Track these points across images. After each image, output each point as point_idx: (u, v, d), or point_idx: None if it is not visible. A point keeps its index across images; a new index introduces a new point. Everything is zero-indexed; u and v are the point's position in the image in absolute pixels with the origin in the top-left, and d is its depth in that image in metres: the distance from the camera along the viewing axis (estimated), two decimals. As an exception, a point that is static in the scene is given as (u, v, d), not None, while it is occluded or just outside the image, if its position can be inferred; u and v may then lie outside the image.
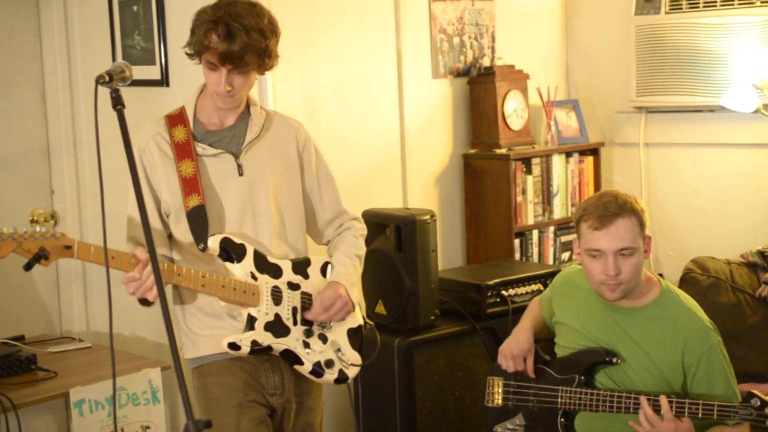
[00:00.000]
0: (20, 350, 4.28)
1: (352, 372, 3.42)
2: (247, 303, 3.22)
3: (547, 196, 5.38)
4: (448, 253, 5.28)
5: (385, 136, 5.04)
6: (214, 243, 3.20)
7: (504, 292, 4.57)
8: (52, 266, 4.79)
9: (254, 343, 3.20)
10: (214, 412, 3.27)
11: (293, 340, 3.29)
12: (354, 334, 3.46)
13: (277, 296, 3.28)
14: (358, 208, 4.48)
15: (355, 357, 3.45)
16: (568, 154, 5.49)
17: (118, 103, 2.82)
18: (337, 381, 3.38)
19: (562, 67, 5.90)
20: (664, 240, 5.56)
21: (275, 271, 3.31)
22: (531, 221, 5.30)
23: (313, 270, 3.42)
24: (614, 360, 3.34)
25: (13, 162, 4.75)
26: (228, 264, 3.23)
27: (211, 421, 2.50)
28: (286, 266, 3.35)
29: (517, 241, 5.22)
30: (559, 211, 5.43)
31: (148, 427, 4.16)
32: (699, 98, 5.24)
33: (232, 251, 3.22)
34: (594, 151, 5.60)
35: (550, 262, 5.39)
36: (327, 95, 4.76)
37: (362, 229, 3.61)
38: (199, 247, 3.21)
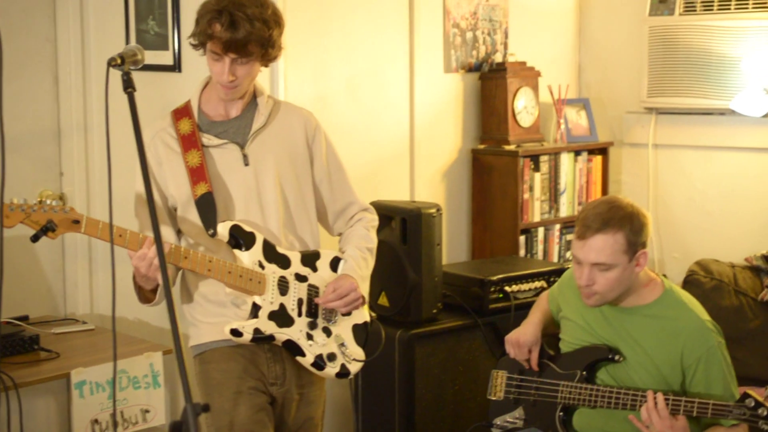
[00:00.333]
0: (23, 330, 4.29)
1: (354, 367, 3.42)
2: (252, 291, 3.24)
3: (554, 194, 5.39)
4: (453, 247, 5.30)
5: (395, 128, 5.05)
6: (223, 229, 3.22)
7: (507, 288, 4.58)
8: (57, 248, 4.85)
9: (257, 331, 3.22)
10: (214, 398, 3.29)
11: (296, 331, 3.30)
12: (359, 330, 3.47)
13: (283, 286, 3.29)
14: (366, 199, 4.49)
15: (358, 352, 3.45)
16: (577, 153, 5.49)
17: (129, 86, 2.83)
18: (339, 375, 3.39)
19: (574, 65, 5.91)
20: (670, 241, 5.56)
21: (284, 262, 3.32)
22: (537, 218, 5.31)
23: (323, 263, 3.42)
24: (617, 357, 3.35)
25: (23, 143, 4.76)
26: (236, 251, 3.25)
27: (209, 405, 2.51)
28: (295, 258, 3.35)
29: (522, 238, 5.23)
30: (565, 210, 5.44)
31: (147, 411, 4.17)
32: (710, 101, 5.26)
33: (241, 238, 3.24)
34: (603, 151, 5.61)
35: (555, 260, 5.40)
36: (338, 87, 4.77)
37: (374, 221, 3.62)
38: (209, 232, 3.22)
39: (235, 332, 3.20)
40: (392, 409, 4.39)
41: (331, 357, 3.35)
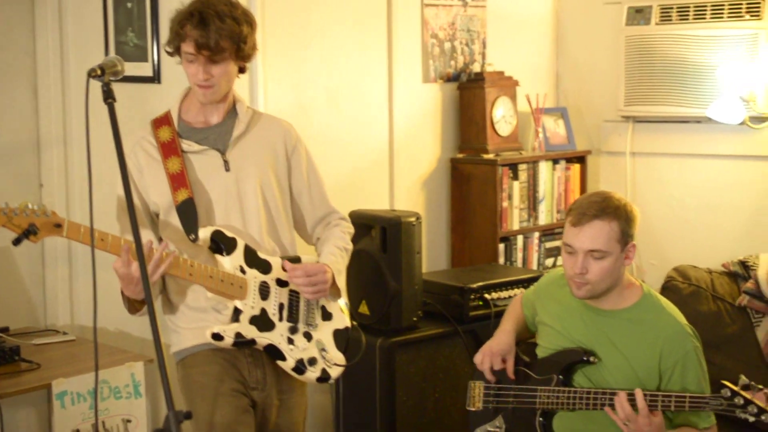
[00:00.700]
0: (4, 341, 4.29)
1: (335, 372, 3.45)
2: (233, 295, 3.26)
3: (532, 202, 5.42)
4: (432, 255, 5.32)
5: (375, 138, 5.08)
6: (205, 234, 3.25)
7: (487, 296, 4.60)
8: (37, 259, 4.85)
9: (238, 335, 3.23)
10: (196, 400, 3.31)
11: (278, 336, 3.32)
12: (340, 335, 3.50)
13: (264, 291, 3.32)
14: (345, 208, 4.51)
15: (339, 357, 3.47)
16: (555, 161, 5.53)
17: (109, 96, 2.87)
18: (320, 380, 3.41)
19: (551, 74, 5.95)
20: (648, 248, 5.60)
21: (265, 267, 3.35)
22: (516, 227, 5.34)
23: None
24: (591, 359, 3.37)
25: (3, 155, 4.77)
26: (217, 256, 3.27)
27: (191, 412, 2.52)
28: (276, 263, 3.38)
29: (501, 246, 5.26)
30: (544, 218, 5.47)
31: (129, 421, 4.17)
32: (686, 109, 5.30)
33: (222, 243, 3.26)
34: (581, 159, 5.65)
35: (535, 267, 5.43)
36: (318, 97, 4.80)
37: (350, 227, 3.66)
38: (190, 237, 3.24)
39: (217, 336, 3.22)
40: (373, 417, 4.40)
41: (312, 361, 3.38)
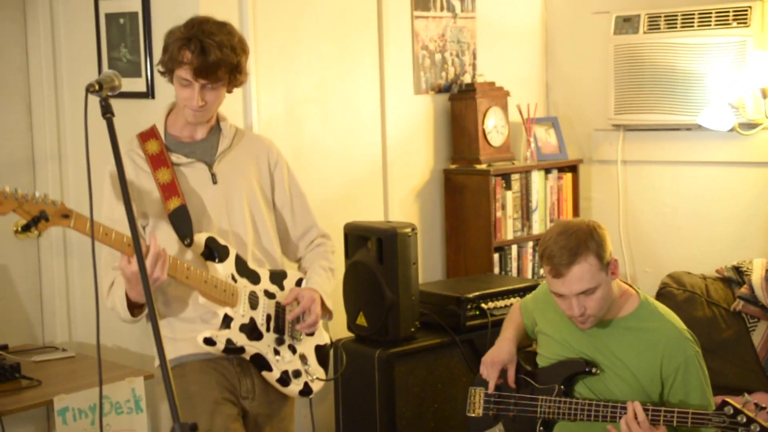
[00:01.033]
0: (4, 359, 4.29)
1: (316, 386, 3.52)
2: (225, 302, 3.30)
3: (526, 212, 5.44)
4: (428, 266, 5.33)
5: (368, 150, 5.10)
6: (200, 239, 3.30)
7: (483, 305, 4.62)
8: (34, 277, 4.85)
9: (229, 341, 3.28)
10: (192, 409, 3.32)
11: (265, 346, 3.38)
12: (321, 350, 3.57)
13: (253, 301, 3.37)
14: (339, 220, 4.57)
15: (320, 372, 3.55)
16: (547, 171, 5.56)
17: (107, 111, 2.90)
18: (302, 393, 3.48)
19: (541, 84, 5.98)
20: (641, 256, 5.63)
21: (254, 277, 3.40)
22: (510, 236, 5.36)
23: (289, 283, 3.51)
24: (594, 370, 3.39)
25: (-2, 172, 4.79)
26: (210, 263, 3.31)
27: (196, 424, 2.54)
28: (265, 275, 3.44)
29: (496, 256, 5.28)
30: (538, 227, 5.49)
31: (131, 436, 4.19)
32: (676, 117, 5.32)
33: (215, 251, 3.31)
34: (573, 168, 5.68)
35: (529, 276, 5.45)
36: (310, 110, 4.82)
37: (332, 246, 3.73)
38: (185, 242, 3.28)
39: (208, 341, 3.25)
40: (374, 428, 4.41)
41: (296, 374, 3.45)
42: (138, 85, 4.57)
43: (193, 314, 3.35)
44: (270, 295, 3.42)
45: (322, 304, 3.50)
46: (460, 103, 5.37)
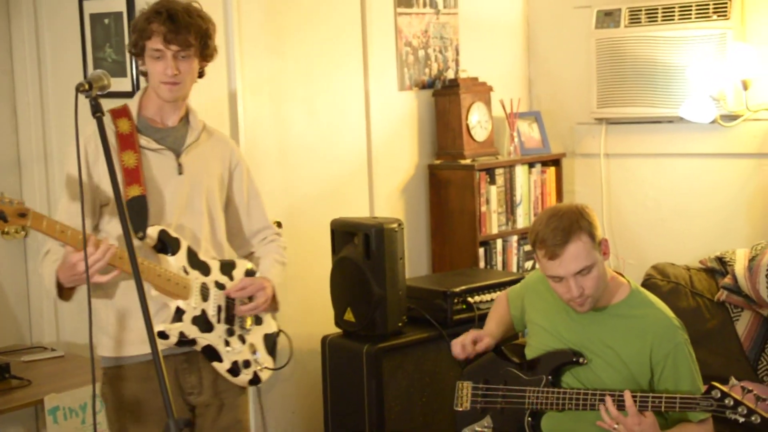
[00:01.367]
0: (-7, 359, 4.32)
1: (265, 375, 3.56)
2: (178, 295, 3.32)
3: (510, 206, 5.48)
4: (413, 261, 5.36)
5: (353, 147, 5.13)
6: (153, 232, 3.30)
7: (470, 299, 4.65)
8: (21, 277, 4.86)
9: (182, 334, 3.32)
10: (138, 418, 3.35)
11: (216, 337, 3.41)
12: (269, 339, 3.61)
13: (205, 292, 3.40)
14: (326, 216, 4.60)
15: (269, 361, 3.59)
16: (531, 165, 5.59)
17: (97, 110, 2.94)
18: (251, 382, 3.52)
19: (524, 79, 6.02)
20: (625, 248, 5.67)
21: (205, 269, 3.43)
22: (495, 230, 5.39)
23: (238, 273, 3.53)
24: (581, 360, 3.42)
25: (-17, 174, 4.80)
26: (162, 255, 3.33)
27: (190, 419, 2.57)
28: (215, 266, 3.47)
29: (481, 250, 5.31)
30: (522, 221, 5.53)
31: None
32: (658, 109, 5.36)
33: (168, 243, 3.33)
34: (556, 162, 5.72)
35: (514, 270, 5.48)
36: (296, 108, 4.84)
37: (284, 243, 3.77)
38: (138, 235, 3.27)
39: (162, 334, 3.27)
40: (363, 423, 4.43)
41: (246, 364, 3.49)
42: (124, 84, 4.58)
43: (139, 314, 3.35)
44: (220, 286, 3.45)
45: (273, 296, 3.54)
46: (444, 98, 5.40)
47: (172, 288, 3.30)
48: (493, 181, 5.38)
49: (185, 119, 3.50)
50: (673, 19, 5.27)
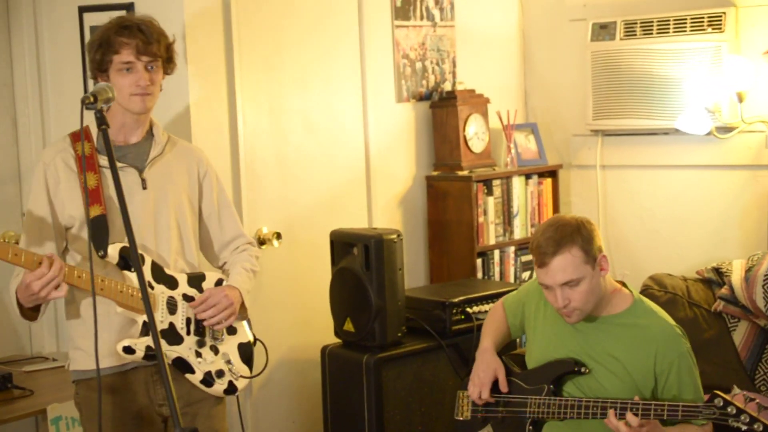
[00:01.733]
0: (-5, 369, 4.33)
1: (241, 384, 3.58)
2: (143, 310, 3.31)
3: (507, 217, 5.51)
4: (412, 272, 5.38)
5: (351, 158, 5.16)
6: (113, 251, 3.31)
7: (468, 309, 4.68)
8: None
9: (148, 348, 3.32)
10: (115, 428, 3.38)
11: (186, 349, 3.43)
12: (243, 348, 3.63)
13: (172, 306, 3.42)
14: (325, 227, 4.62)
15: (244, 369, 3.61)
16: (528, 176, 5.63)
17: (102, 122, 2.96)
18: (227, 392, 3.54)
19: (520, 91, 6.05)
20: (621, 259, 5.70)
21: (171, 283, 3.45)
22: (492, 241, 5.42)
23: (208, 284, 3.56)
24: (582, 370, 3.44)
25: (-16, 186, 4.81)
26: (126, 272, 3.34)
27: (197, 428, 2.58)
28: (182, 279, 3.49)
29: (479, 261, 5.34)
30: (519, 232, 5.56)
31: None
32: (654, 121, 5.39)
33: (130, 260, 3.32)
34: (552, 173, 5.75)
35: (512, 281, 5.51)
36: (294, 120, 4.87)
37: (257, 251, 3.79)
38: (99, 254, 3.29)
39: (128, 349, 3.30)
40: (363, 432, 4.47)
41: (220, 374, 3.51)
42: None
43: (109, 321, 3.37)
44: (189, 299, 3.47)
45: (242, 303, 3.56)
46: (441, 110, 5.43)
47: (135, 303, 3.31)
48: (490, 192, 5.41)
49: (149, 133, 3.52)
50: (668, 32, 5.30)
